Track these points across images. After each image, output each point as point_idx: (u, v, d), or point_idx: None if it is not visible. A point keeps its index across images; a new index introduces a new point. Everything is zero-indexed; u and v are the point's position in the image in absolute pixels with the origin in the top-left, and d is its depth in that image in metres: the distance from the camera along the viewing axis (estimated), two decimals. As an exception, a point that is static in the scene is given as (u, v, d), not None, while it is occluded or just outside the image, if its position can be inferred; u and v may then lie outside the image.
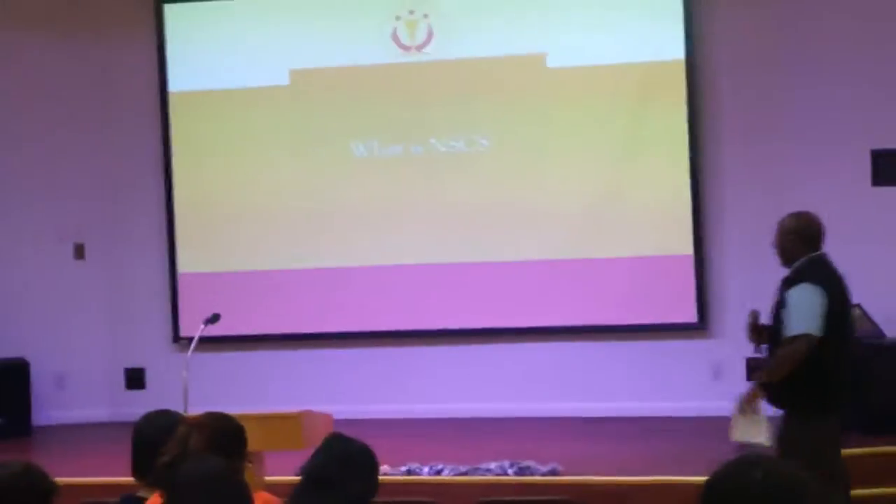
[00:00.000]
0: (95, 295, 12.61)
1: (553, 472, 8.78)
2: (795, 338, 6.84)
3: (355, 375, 11.88)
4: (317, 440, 5.55)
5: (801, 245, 7.16)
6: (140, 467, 5.88)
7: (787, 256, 7.21)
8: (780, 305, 7.04)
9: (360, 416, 11.20)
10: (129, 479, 6.10)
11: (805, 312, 6.89)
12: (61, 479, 8.45)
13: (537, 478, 8.67)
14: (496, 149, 11.83)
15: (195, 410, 6.28)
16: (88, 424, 12.03)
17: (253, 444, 6.44)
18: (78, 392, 12.47)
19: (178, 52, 12.43)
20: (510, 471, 8.82)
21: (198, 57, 12.41)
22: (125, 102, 12.62)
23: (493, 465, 8.90)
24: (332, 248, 12.08)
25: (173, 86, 12.42)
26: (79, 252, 12.67)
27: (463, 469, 8.92)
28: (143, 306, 12.55)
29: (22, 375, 12.06)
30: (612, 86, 11.58)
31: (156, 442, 5.78)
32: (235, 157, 12.32)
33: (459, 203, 11.87)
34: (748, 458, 2.89)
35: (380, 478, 8.41)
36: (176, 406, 6.46)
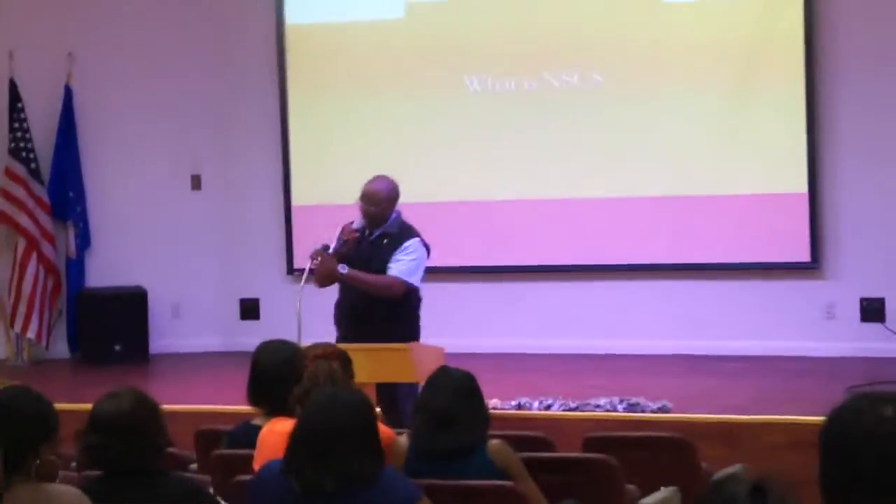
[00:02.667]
0: (211, 226, 12.80)
1: (663, 409, 8.80)
2: None
3: (465, 310, 11.95)
4: (428, 372, 5.66)
5: None
6: (257, 395, 6.03)
7: None
8: None
9: (470, 350, 11.27)
10: (243, 408, 6.25)
11: None
12: (177, 406, 8.71)
13: (647, 414, 8.71)
14: (610, 84, 11.78)
15: (308, 342, 6.39)
16: (203, 353, 12.25)
17: (364, 375, 6.60)
18: (193, 321, 12.69)
19: (294, -16, 12.53)
20: (620, 407, 8.86)
21: (314, -10, 12.51)
22: (242, 35, 12.73)
23: (602, 401, 8.95)
24: (444, 183, 12.13)
25: (290, 18, 12.51)
26: (195, 183, 12.86)
27: (573, 404, 8.98)
28: (258, 238, 12.72)
29: (140, 304, 12.32)
30: (727, 21, 11.45)
31: (273, 371, 5.94)
32: (350, 90, 12.40)
33: (572, 138, 11.86)
34: (877, 395, 2.71)
35: (493, 411, 8.58)
36: (289, 337, 6.60)
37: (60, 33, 12.44)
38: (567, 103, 11.88)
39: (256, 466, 5.28)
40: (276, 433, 5.35)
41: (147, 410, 4.75)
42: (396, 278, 8.11)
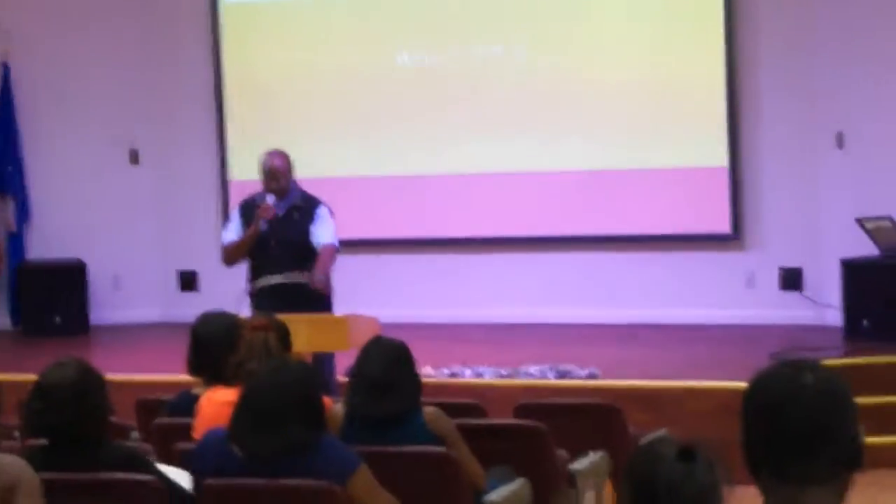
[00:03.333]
0: (149, 199, 12.90)
1: (592, 376, 9.04)
2: None
3: (400, 280, 12.13)
4: (362, 342, 5.86)
5: None
6: (197, 365, 6.18)
7: None
8: None
9: (404, 321, 11.44)
10: (183, 377, 6.40)
11: None
12: (118, 376, 8.84)
13: (576, 381, 8.94)
14: (533, 57, 11.95)
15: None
16: (143, 324, 12.38)
17: (301, 345, 6.78)
18: (133, 293, 12.81)
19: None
20: (550, 374, 9.09)
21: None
22: (176, 9, 12.85)
23: (533, 369, 9.17)
24: (374, 156, 12.29)
25: (225, -4, 12.64)
26: (133, 157, 12.95)
27: (504, 372, 9.20)
28: (196, 211, 12.83)
29: (79, 276, 12.42)
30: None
31: (213, 341, 6.08)
32: (285, 65, 12.53)
33: (498, 113, 12.01)
34: (796, 363, 2.77)
35: (426, 379, 8.75)
36: (227, 308, 6.75)
37: (-6, 10, 12.49)
38: (492, 77, 12.06)
39: (195, 435, 5.45)
40: (214, 402, 5.52)
41: (92, 380, 4.88)
42: (332, 245, 8.53)
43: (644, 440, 5.12)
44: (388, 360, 5.54)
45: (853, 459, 2.74)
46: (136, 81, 12.80)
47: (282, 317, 6.22)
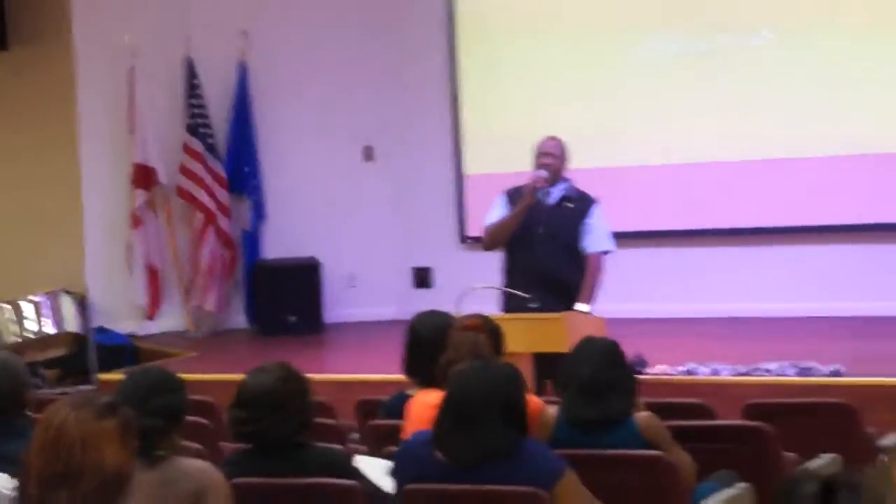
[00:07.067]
0: (384, 196, 12.91)
1: (836, 374, 8.61)
2: None
3: (637, 274, 11.84)
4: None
5: None
6: (410, 365, 6.05)
7: None
8: None
9: (640, 315, 11.20)
10: (404, 378, 6.28)
11: None
12: (344, 376, 8.80)
13: (817, 379, 8.53)
14: (781, 41, 11.55)
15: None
16: (377, 322, 12.34)
17: (519, 345, 6.58)
18: (367, 291, 12.81)
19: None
20: (791, 371, 8.70)
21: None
22: (412, 4, 12.81)
23: (773, 366, 8.79)
24: (618, 148, 12.05)
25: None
26: (368, 154, 12.96)
27: (742, 369, 8.85)
28: (430, 207, 12.79)
29: (314, 275, 12.47)
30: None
31: (426, 341, 5.94)
32: (523, 56, 12.38)
33: (746, 99, 11.66)
34: None
35: (659, 376, 8.50)
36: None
37: (233, 11, 12.63)
38: (740, 63, 11.68)
39: (403, 436, 5.32)
40: (422, 404, 5.38)
41: (293, 385, 4.82)
42: (599, 258, 8.12)
43: (793, 474, 4.78)
44: (598, 361, 5.32)
45: None
46: (370, 79, 12.84)
47: (499, 316, 6.03)
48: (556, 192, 8.17)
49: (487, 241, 8.38)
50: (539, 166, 8.16)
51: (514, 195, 8.22)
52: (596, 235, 8.11)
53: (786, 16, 11.55)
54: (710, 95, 11.78)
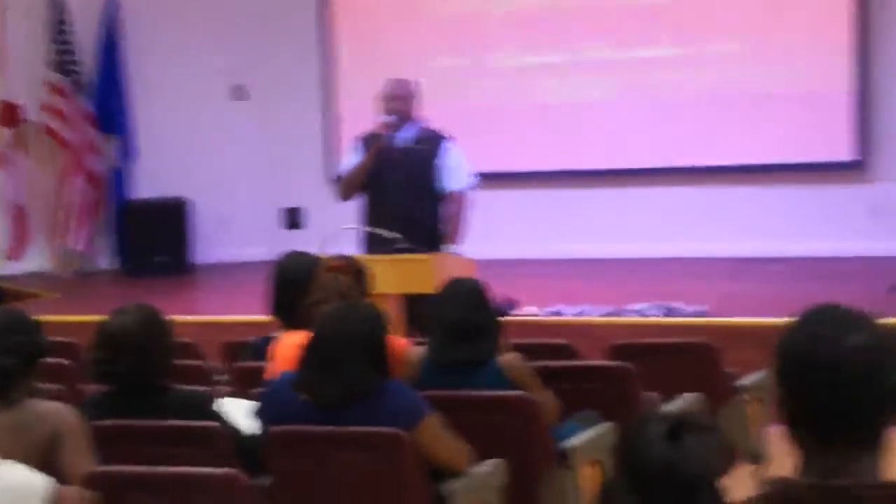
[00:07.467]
0: (255, 136, 12.81)
1: (698, 314, 8.71)
2: None
3: (509, 215, 11.88)
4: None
5: None
6: (276, 306, 6.00)
7: None
8: None
9: (511, 256, 11.24)
10: (269, 318, 6.23)
11: None
12: (211, 317, 8.72)
13: (682, 319, 8.62)
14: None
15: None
16: (247, 263, 12.21)
17: (388, 286, 6.56)
18: (237, 232, 12.73)
19: None
20: (656, 312, 8.78)
21: None
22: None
23: (638, 307, 8.87)
24: (487, 87, 12.05)
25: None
26: (238, 93, 12.83)
27: (609, 310, 8.92)
28: (301, 147, 12.72)
29: (182, 215, 12.38)
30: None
31: (291, 282, 5.89)
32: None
33: (617, 45, 11.74)
34: (842, 319, 2.46)
35: (527, 317, 8.50)
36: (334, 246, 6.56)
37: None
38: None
39: (268, 378, 5.29)
40: (288, 345, 5.33)
41: (154, 327, 4.77)
42: (460, 196, 8.05)
43: (645, 412, 4.83)
44: (464, 303, 5.31)
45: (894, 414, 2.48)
46: (241, 18, 12.67)
47: (367, 258, 5.99)
48: (406, 135, 8.08)
49: (340, 191, 8.38)
50: (385, 111, 8.06)
51: (368, 141, 8.14)
52: (452, 173, 8.04)
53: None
54: (582, 38, 11.80)
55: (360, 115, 11.57)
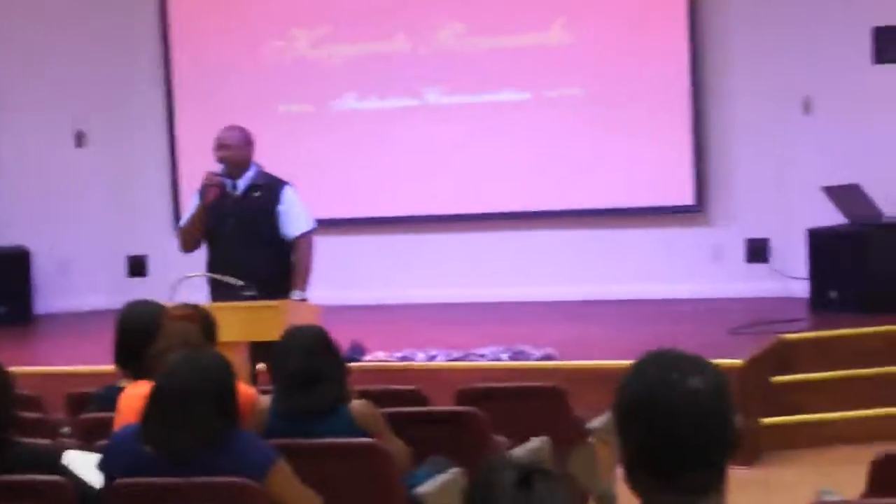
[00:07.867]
0: (97, 182, 12.62)
1: (547, 357, 8.78)
2: None
3: (356, 261, 11.87)
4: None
5: None
6: (121, 356, 5.91)
7: None
8: None
9: (359, 303, 11.24)
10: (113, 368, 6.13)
11: None
12: (55, 368, 8.55)
13: (530, 363, 8.68)
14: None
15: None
16: (90, 312, 12.02)
17: (234, 334, 6.49)
18: (79, 280, 12.51)
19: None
20: (504, 356, 8.82)
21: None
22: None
23: (486, 351, 8.91)
24: (335, 133, 12.06)
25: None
26: (80, 139, 12.65)
27: (457, 355, 8.94)
28: (145, 194, 12.59)
29: (23, 263, 12.11)
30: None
31: (135, 332, 5.80)
32: (232, 47, 12.29)
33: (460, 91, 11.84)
34: (679, 364, 2.48)
35: (376, 363, 8.48)
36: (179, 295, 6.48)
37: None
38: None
39: (115, 429, 5.19)
40: (133, 396, 5.24)
41: None
42: (308, 238, 7.98)
43: (490, 460, 4.86)
44: (306, 350, 5.28)
45: (735, 451, 2.52)
46: (83, 65, 12.49)
47: (213, 305, 5.93)
48: (242, 183, 7.99)
49: (180, 242, 8.27)
50: (217, 160, 8.00)
51: (202, 191, 8.05)
52: (291, 218, 7.97)
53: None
54: (426, 83, 11.89)
55: (205, 163, 11.68)
